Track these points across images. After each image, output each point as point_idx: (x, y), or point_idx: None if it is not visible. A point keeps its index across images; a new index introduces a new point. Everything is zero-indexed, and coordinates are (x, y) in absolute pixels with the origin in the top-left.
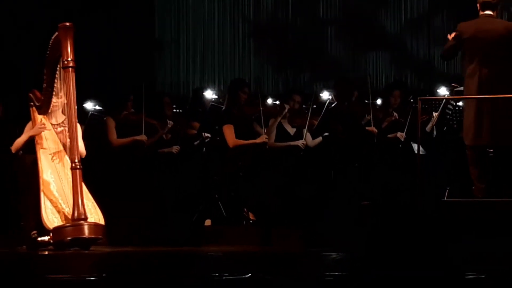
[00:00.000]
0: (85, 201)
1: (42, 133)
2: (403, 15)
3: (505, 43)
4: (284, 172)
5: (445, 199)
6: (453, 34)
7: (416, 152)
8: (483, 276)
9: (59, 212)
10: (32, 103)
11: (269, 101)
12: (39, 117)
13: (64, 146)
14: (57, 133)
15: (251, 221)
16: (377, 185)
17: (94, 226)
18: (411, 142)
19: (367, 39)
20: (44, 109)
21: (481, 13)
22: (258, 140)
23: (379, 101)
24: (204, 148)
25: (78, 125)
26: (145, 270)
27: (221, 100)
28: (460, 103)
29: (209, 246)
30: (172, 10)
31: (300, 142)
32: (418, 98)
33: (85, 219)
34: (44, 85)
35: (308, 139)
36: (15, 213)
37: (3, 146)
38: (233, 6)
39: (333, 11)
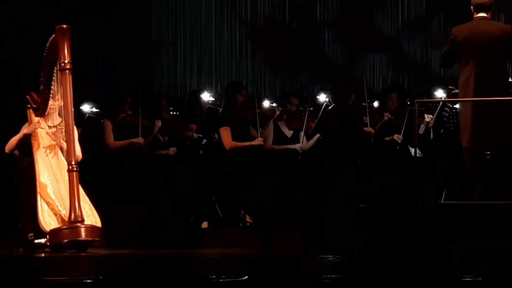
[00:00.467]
0: (81, 203)
1: (39, 136)
2: (400, 17)
3: (500, 44)
4: (281, 174)
5: (442, 201)
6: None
7: (412, 154)
8: (480, 278)
9: (55, 214)
10: (29, 105)
11: (267, 103)
12: (36, 119)
13: (61, 148)
14: (53, 135)
15: (248, 224)
16: (374, 187)
17: (91, 228)
18: (408, 145)
19: (364, 41)
20: (41, 111)
21: (475, 15)
22: (254, 142)
23: (376, 103)
24: (201, 150)
25: (75, 128)
26: (142, 272)
27: (218, 102)
28: (457, 106)
29: (206, 248)
30: (169, 12)
31: (297, 146)
32: (415, 100)
33: (82, 221)
34: (41, 87)
35: (304, 143)
36: (13, 214)
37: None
38: (230, 8)
39: (330, 13)
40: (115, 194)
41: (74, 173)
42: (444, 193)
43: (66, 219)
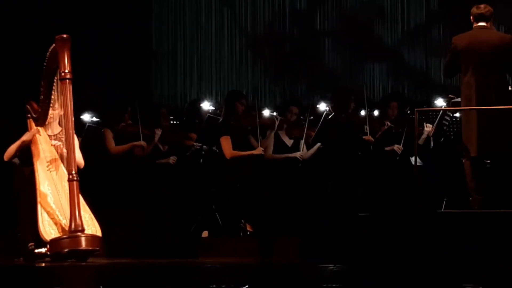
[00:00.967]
0: (82, 212)
1: (39, 145)
2: (400, 26)
3: (500, 53)
4: (281, 183)
5: (443, 210)
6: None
7: (413, 163)
8: (480, 287)
9: (56, 224)
10: (29, 115)
11: (267, 112)
12: (36, 129)
13: (61, 157)
14: (53, 145)
15: (248, 233)
16: (374, 195)
17: (91, 237)
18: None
19: (364, 50)
20: (41, 121)
21: (475, 25)
22: (255, 152)
23: (376, 112)
24: (201, 159)
25: (76, 137)
26: (143, 282)
27: (218, 111)
28: (457, 114)
29: (206, 257)
30: (169, 21)
31: (298, 154)
32: (415, 109)
33: (82, 231)
34: (41, 96)
35: (304, 152)
36: (14, 223)
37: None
38: (230, 17)
39: (330, 22)
40: (115, 202)
41: (75, 182)
42: (444, 202)
43: (67, 228)
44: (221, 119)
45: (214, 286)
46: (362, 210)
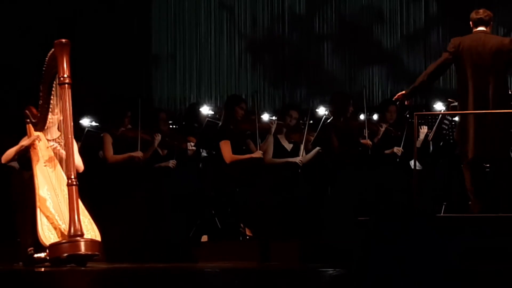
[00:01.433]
0: (81, 217)
1: (38, 149)
2: (399, 30)
3: (499, 57)
4: (280, 187)
5: (442, 214)
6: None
7: (412, 167)
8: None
9: (55, 228)
10: (28, 120)
11: (266, 116)
12: (35, 134)
13: (60, 162)
14: (53, 149)
15: (247, 237)
16: (374, 200)
17: (91, 242)
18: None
19: (364, 54)
20: (41, 126)
21: (474, 30)
22: (254, 155)
23: (375, 116)
24: (200, 164)
25: (75, 141)
26: (142, 286)
27: (217, 116)
28: (456, 118)
29: (205, 262)
30: (168, 25)
31: (298, 159)
32: (414, 113)
33: (82, 235)
34: (40, 101)
35: (303, 156)
36: (13, 228)
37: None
38: (229, 22)
39: (330, 26)
40: (114, 206)
41: (74, 187)
42: (443, 206)
43: (66, 233)
44: (220, 124)
45: None
46: (361, 214)
